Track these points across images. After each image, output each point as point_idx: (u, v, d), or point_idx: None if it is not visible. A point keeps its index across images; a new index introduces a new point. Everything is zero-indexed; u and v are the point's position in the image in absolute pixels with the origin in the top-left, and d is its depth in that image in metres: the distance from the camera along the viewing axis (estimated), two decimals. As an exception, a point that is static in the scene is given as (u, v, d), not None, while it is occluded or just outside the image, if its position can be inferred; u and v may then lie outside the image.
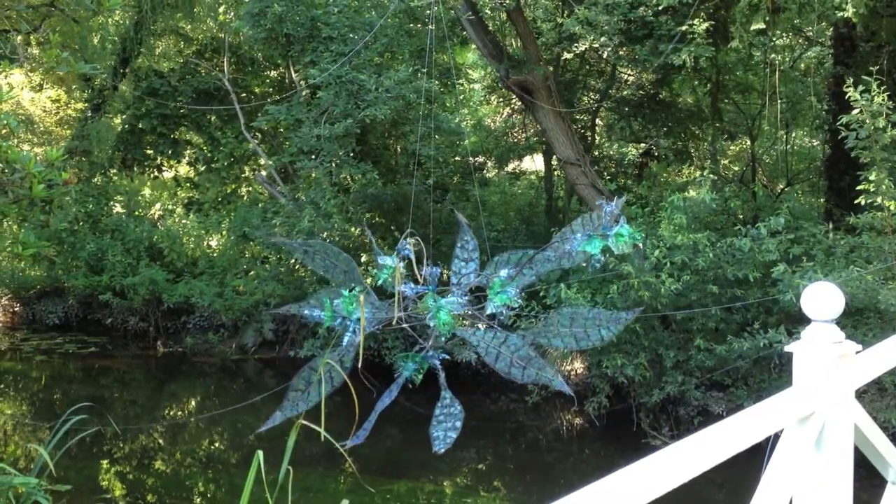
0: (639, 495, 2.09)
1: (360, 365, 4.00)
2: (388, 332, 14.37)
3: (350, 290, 3.44)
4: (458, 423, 3.47)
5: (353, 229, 15.83)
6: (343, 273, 3.55)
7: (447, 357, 3.57)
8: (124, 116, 22.63)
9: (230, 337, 18.17)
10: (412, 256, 3.55)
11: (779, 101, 16.08)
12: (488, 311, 3.36)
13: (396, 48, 16.77)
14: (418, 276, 3.57)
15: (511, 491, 10.53)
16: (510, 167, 22.08)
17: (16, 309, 22.23)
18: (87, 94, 23.18)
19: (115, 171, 22.76)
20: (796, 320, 9.91)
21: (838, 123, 10.71)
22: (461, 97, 21.19)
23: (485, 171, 20.76)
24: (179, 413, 14.80)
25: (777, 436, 2.91)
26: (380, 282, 3.51)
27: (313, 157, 15.58)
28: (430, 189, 16.21)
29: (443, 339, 3.42)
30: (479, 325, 3.63)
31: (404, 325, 3.56)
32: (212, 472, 11.21)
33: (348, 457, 4.16)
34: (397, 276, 3.39)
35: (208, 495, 10.42)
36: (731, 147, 20.63)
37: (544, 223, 17.95)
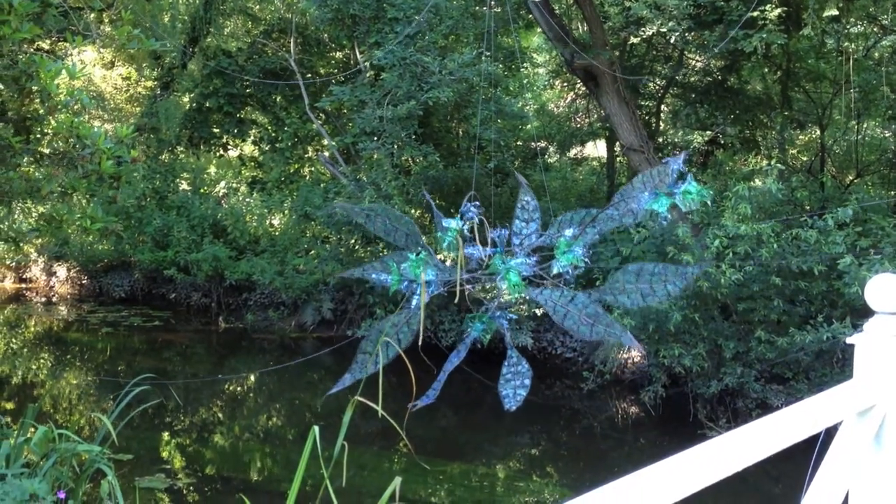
0: (693, 481, 2.08)
1: (419, 343, 4.03)
2: (444, 315, 14.41)
3: (417, 254, 3.43)
4: (527, 381, 3.44)
5: (413, 211, 15.88)
6: (405, 236, 3.54)
7: (514, 317, 3.55)
8: (192, 95, 22.98)
9: (290, 315, 18.41)
10: (476, 219, 3.53)
11: (851, 90, 15.68)
12: (554, 271, 3.32)
13: (461, 30, 16.74)
14: (485, 239, 3.55)
15: (564, 477, 10.51)
16: (572, 153, 21.92)
17: (84, 282, 22.81)
18: (157, 72, 23.61)
19: (181, 148, 23.17)
20: (861, 314, 9.69)
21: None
22: (525, 81, 21.09)
23: (546, 157, 20.63)
24: (239, 388, 15.06)
25: (830, 430, 2.86)
26: (444, 245, 3.48)
27: (376, 138, 15.66)
28: (490, 173, 16.18)
29: (513, 299, 3.41)
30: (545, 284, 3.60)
31: (469, 288, 3.54)
32: (269, 447, 11.39)
33: (404, 436, 4.18)
34: (459, 245, 3.38)
35: (265, 470, 10.58)
36: (800, 136, 20.19)
37: (605, 210, 17.78)
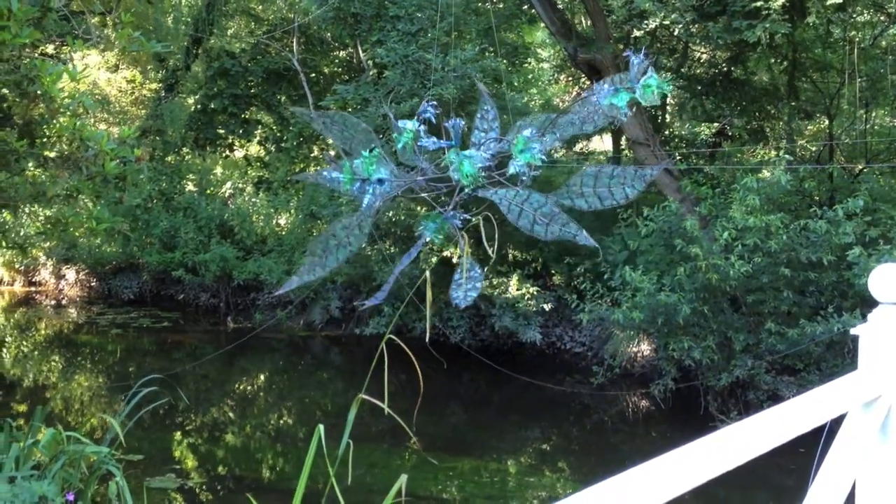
0: (700, 472, 2.06)
1: (427, 339, 4.01)
2: (452, 311, 14.39)
3: (370, 151, 3.37)
4: (479, 285, 3.42)
5: (417, 207, 15.86)
6: (362, 144, 3.49)
7: (469, 219, 3.49)
8: (197, 96, 23.01)
9: (298, 314, 18.43)
10: (434, 120, 3.47)
11: (858, 79, 15.59)
12: (511, 171, 3.27)
13: (463, 27, 16.71)
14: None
15: (575, 472, 10.49)
16: (578, 147, 21.86)
17: (92, 284, 22.87)
18: (161, 74, 23.65)
19: (187, 150, 23.20)
20: (872, 304, 9.63)
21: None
22: (530, 76, 21.05)
23: (552, 151, 20.57)
24: (249, 388, 15.08)
25: (838, 420, 2.83)
26: (399, 146, 3.42)
27: (380, 136, 15.64)
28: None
29: (467, 191, 3.34)
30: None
31: (424, 196, 3.50)
32: (280, 445, 11.40)
33: (412, 434, 4.18)
34: (465, 245, 3.34)
35: (276, 469, 10.60)
36: (808, 127, 20.09)
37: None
